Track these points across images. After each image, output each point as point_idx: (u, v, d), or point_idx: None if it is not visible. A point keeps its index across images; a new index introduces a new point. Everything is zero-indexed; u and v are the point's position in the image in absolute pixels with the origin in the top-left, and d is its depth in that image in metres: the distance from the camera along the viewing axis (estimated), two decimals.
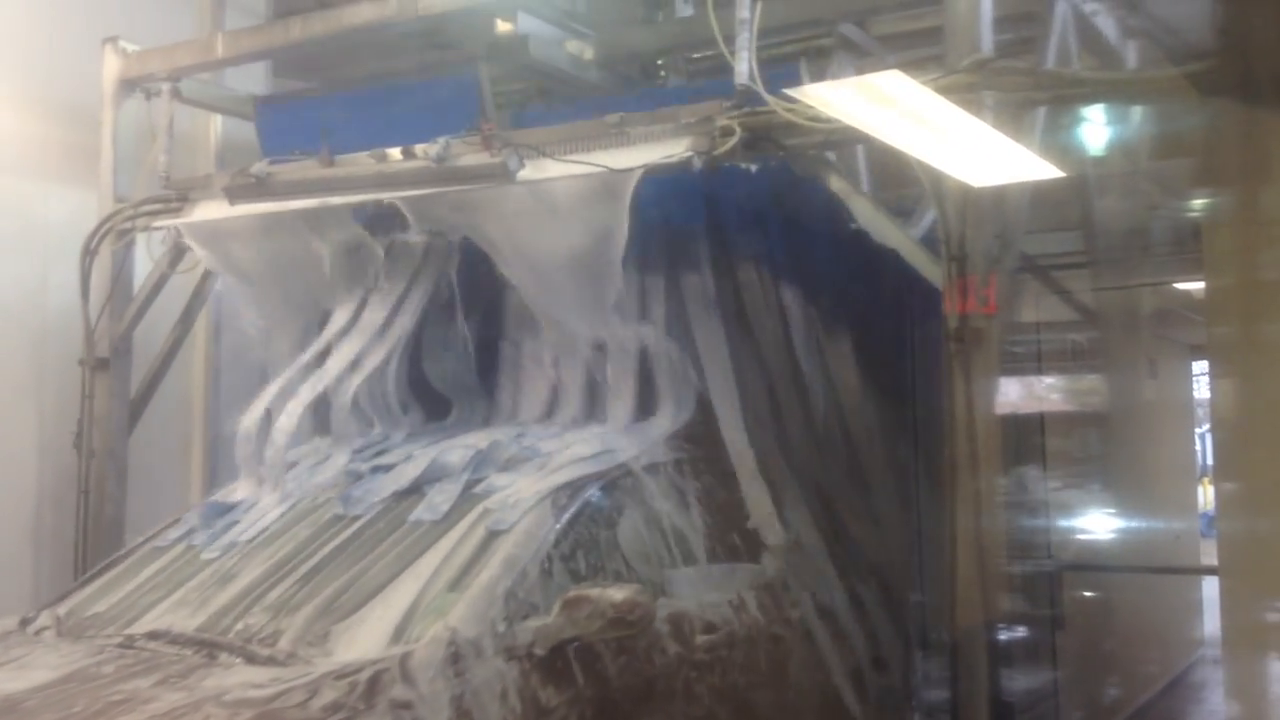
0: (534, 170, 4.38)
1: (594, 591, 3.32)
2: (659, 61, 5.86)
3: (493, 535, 3.62)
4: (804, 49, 5.23)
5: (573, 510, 3.84)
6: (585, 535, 3.82)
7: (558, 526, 3.73)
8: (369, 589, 3.49)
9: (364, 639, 3.26)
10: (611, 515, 3.97)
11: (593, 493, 3.98)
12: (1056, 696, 5.38)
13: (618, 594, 3.29)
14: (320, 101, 5.43)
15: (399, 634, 3.26)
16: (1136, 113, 5.22)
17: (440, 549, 3.61)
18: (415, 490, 4.03)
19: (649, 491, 4.19)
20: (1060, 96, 3.98)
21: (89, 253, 5.62)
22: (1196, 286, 5.93)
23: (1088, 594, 6.15)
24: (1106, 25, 5.09)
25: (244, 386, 6.30)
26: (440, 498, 3.91)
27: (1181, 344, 8.53)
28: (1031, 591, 4.84)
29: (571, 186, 4.32)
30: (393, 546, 3.72)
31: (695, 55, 5.74)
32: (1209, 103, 2.73)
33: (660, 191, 4.40)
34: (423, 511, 3.86)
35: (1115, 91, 4.15)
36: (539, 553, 3.60)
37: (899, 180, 4.59)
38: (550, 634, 3.32)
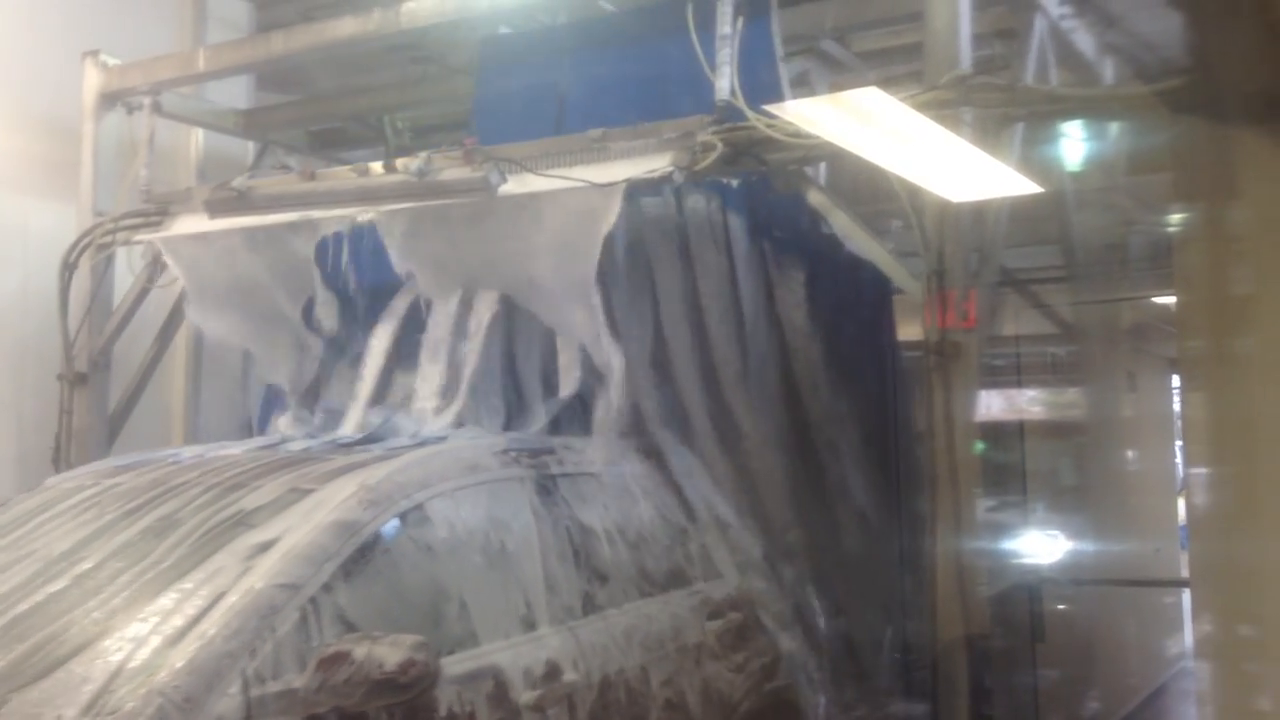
0: (516, 185, 4.39)
1: (358, 647, 2.66)
2: None
3: (246, 568, 2.91)
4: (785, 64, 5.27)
5: (367, 532, 3.09)
6: (381, 566, 3.08)
7: (342, 554, 2.99)
8: (79, 640, 2.75)
9: (52, 708, 2.54)
10: (425, 540, 3.26)
11: (402, 507, 3.24)
12: (1036, 708, 5.39)
13: (390, 650, 2.64)
14: (546, 43, 5.12)
15: (94, 702, 2.53)
16: (1113, 128, 5.27)
17: (182, 587, 2.89)
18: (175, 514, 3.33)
19: (497, 507, 3.53)
20: (1038, 112, 4.01)
21: (68, 266, 5.60)
22: (1173, 300, 5.97)
23: (1069, 606, 6.17)
24: (1084, 42, 5.15)
25: (224, 401, 6.30)
26: (193, 521, 3.20)
27: (1160, 357, 8.58)
28: (1011, 604, 4.85)
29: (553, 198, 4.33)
30: (129, 584, 2.98)
31: None
32: (1180, 119, 2.77)
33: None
34: (173, 539, 3.12)
35: (1092, 108, 4.20)
36: (305, 590, 2.85)
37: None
38: (298, 703, 2.64)
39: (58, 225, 5.79)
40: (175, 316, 5.84)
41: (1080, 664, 6.41)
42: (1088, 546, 6.37)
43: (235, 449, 4.03)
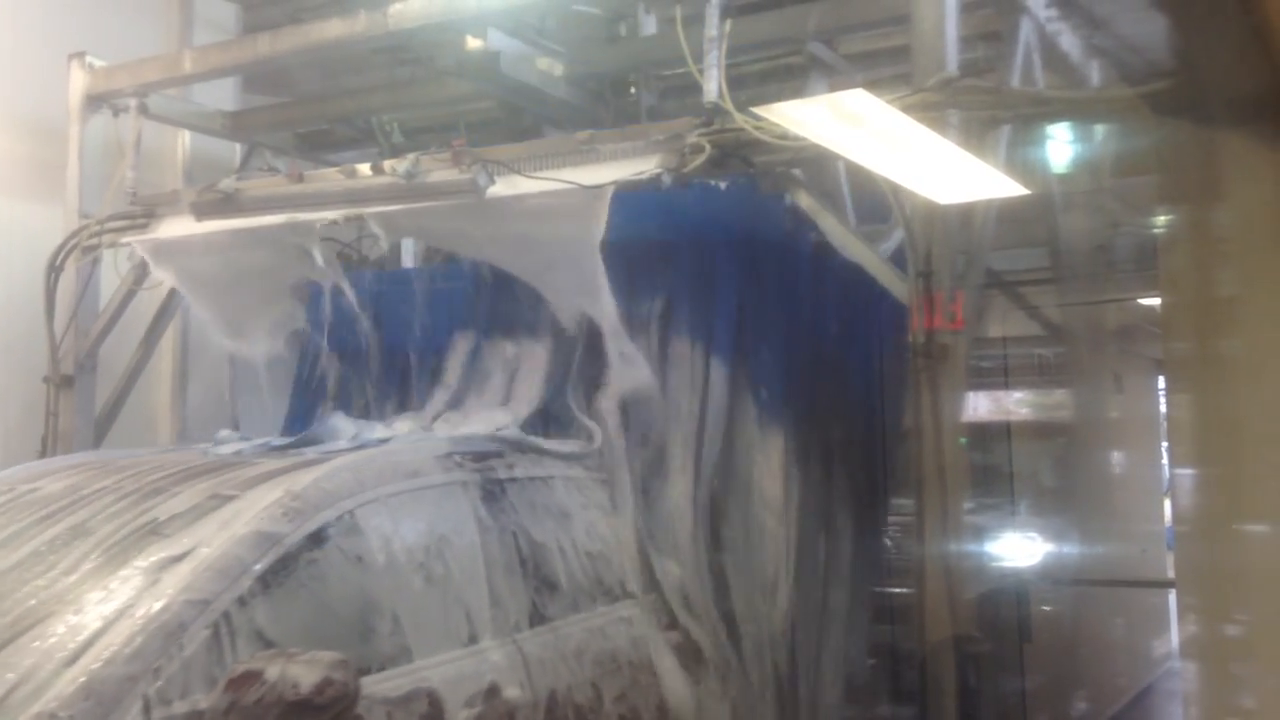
0: (504, 187, 4.39)
1: (271, 666, 2.48)
2: (630, 79, 5.89)
3: (154, 582, 2.71)
4: (773, 67, 5.28)
5: (290, 543, 2.89)
6: (305, 579, 2.89)
7: (260, 566, 2.80)
8: None
9: None
10: (354, 550, 3.06)
11: (328, 515, 3.03)
12: (1024, 709, 5.41)
13: (305, 668, 2.46)
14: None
15: None
16: (1100, 131, 5.29)
17: (85, 602, 2.69)
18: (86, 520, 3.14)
19: (436, 514, 3.33)
20: (1024, 115, 4.03)
21: (54, 269, 5.58)
22: (1159, 302, 6.00)
23: (1056, 607, 6.19)
24: (1070, 44, 5.17)
25: (210, 403, 6.28)
26: (104, 531, 3.00)
27: (1146, 359, 8.62)
28: (998, 605, 4.87)
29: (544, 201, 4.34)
30: (28, 598, 2.78)
31: (665, 73, 5.77)
32: (1165, 122, 2.79)
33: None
34: (81, 550, 2.92)
35: (1078, 110, 4.21)
36: (217, 605, 2.67)
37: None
38: None
39: (43, 227, 5.77)
40: (161, 319, 5.83)
41: (1068, 665, 6.43)
42: (1074, 547, 6.39)
43: (168, 452, 3.88)
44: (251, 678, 2.47)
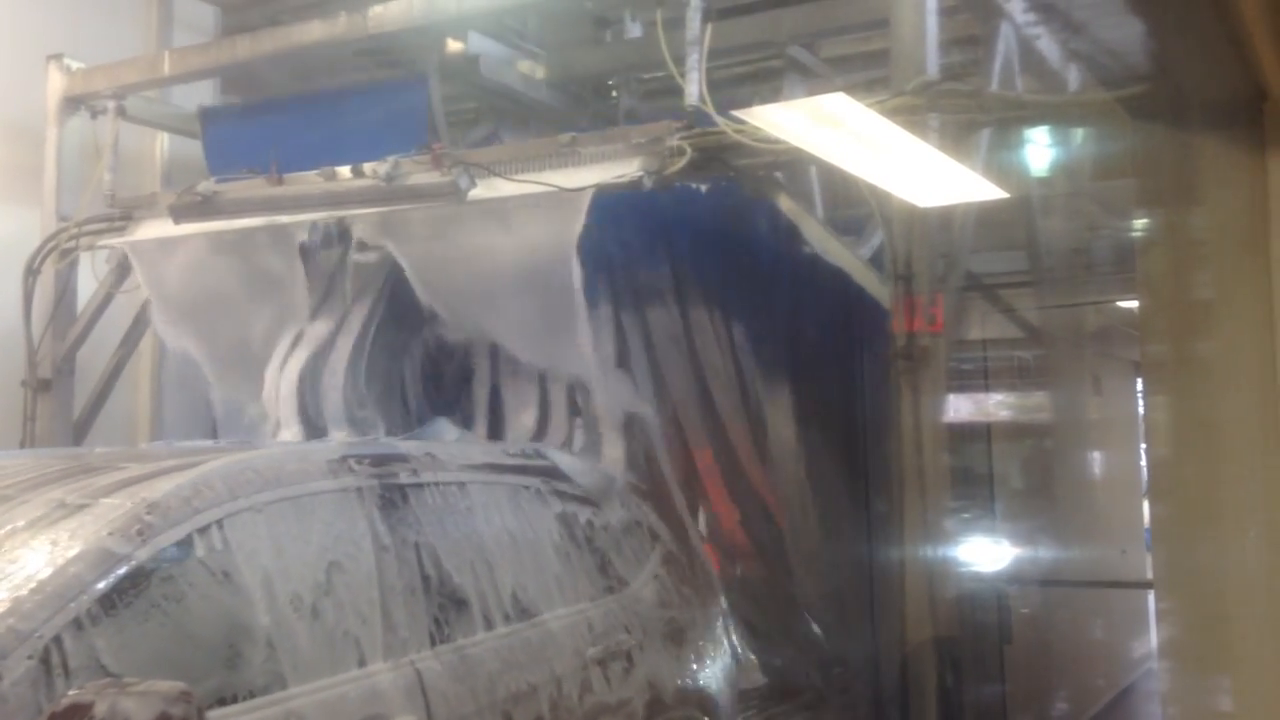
0: (485, 189, 4.38)
1: (101, 699, 2.20)
2: (610, 82, 5.90)
3: None
4: (754, 71, 5.29)
5: (140, 558, 2.58)
6: (158, 599, 2.59)
7: (101, 586, 2.48)
8: None
9: None
10: (220, 566, 2.74)
11: (188, 527, 2.71)
12: (1005, 710, 5.43)
13: (140, 701, 2.20)
14: (266, 110, 5.37)
15: None
16: (1079, 134, 5.32)
17: None
18: None
19: (322, 524, 3.03)
20: (1003, 118, 4.05)
21: (32, 272, 5.55)
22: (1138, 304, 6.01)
23: (1036, 609, 6.22)
24: (1049, 49, 5.20)
25: (189, 406, 6.24)
26: None
27: (1125, 361, 8.67)
28: (979, 607, 4.89)
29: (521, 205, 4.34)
30: None
31: (645, 76, 5.77)
32: (1142, 126, 2.81)
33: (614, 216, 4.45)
34: None
35: (1056, 114, 4.24)
36: (44, 632, 2.37)
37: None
38: None
39: (21, 230, 5.73)
40: (140, 322, 5.78)
41: (1048, 666, 6.46)
42: (1054, 549, 6.42)
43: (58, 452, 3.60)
44: (78, 712, 2.18)
